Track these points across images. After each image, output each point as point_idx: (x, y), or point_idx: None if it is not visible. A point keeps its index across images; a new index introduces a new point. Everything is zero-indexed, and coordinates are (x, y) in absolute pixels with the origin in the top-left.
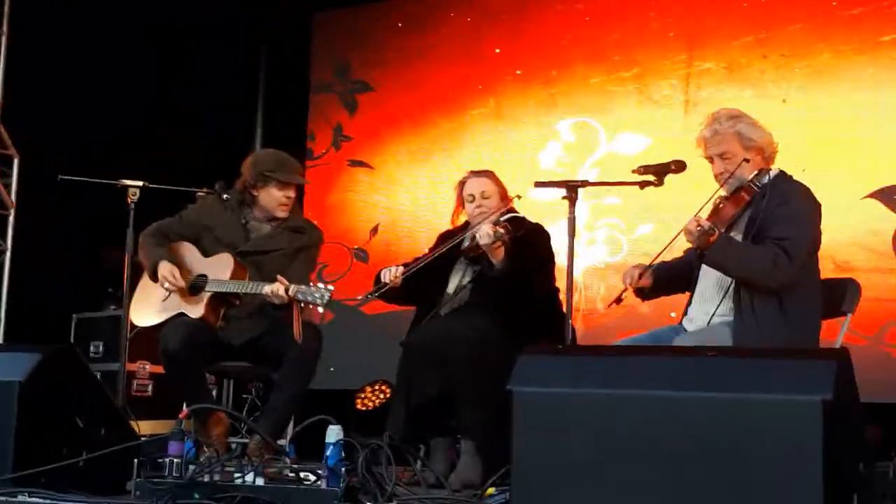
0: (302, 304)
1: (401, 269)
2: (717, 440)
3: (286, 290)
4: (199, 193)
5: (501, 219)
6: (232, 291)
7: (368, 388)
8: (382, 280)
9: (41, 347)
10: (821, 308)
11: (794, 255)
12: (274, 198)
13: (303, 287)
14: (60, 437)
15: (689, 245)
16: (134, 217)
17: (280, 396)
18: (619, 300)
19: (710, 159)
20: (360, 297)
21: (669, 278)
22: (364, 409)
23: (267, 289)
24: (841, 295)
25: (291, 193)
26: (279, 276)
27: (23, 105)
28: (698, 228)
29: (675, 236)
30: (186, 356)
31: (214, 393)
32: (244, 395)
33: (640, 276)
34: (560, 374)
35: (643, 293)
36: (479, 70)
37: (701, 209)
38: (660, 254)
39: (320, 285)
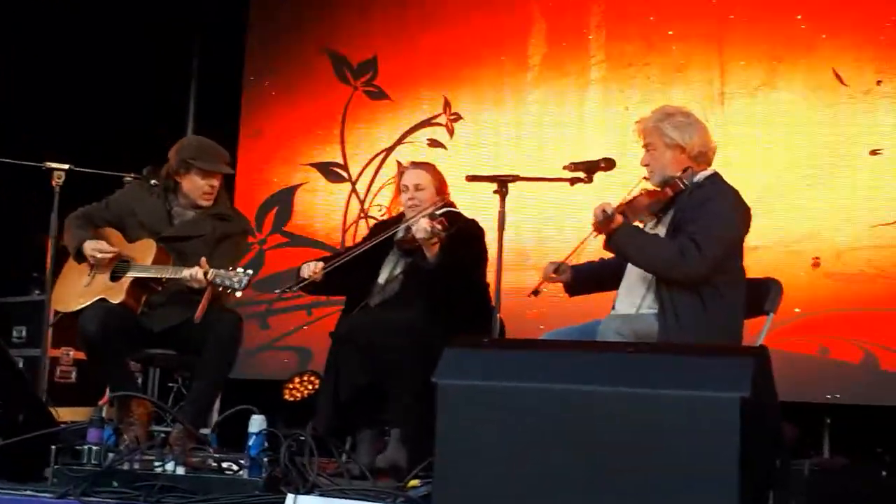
0: (219, 289)
1: (321, 264)
2: (636, 435)
3: (205, 274)
4: (127, 178)
5: (438, 212)
6: (153, 276)
7: (297, 379)
8: (301, 275)
9: None
10: (743, 312)
11: (705, 249)
12: (196, 186)
13: (221, 271)
14: None
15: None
16: (59, 201)
17: (200, 384)
18: (535, 292)
19: (645, 148)
20: (277, 291)
21: (600, 276)
22: (292, 399)
23: (186, 273)
24: (764, 294)
25: (214, 182)
26: (202, 260)
27: None
28: (602, 213)
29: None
30: (104, 340)
31: (140, 381)
32: (170, 384)
33: (555, 271)
34: (484, 367)
35: (569, 287)
36: None
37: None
38: (574, 250)
39: (239, 270)
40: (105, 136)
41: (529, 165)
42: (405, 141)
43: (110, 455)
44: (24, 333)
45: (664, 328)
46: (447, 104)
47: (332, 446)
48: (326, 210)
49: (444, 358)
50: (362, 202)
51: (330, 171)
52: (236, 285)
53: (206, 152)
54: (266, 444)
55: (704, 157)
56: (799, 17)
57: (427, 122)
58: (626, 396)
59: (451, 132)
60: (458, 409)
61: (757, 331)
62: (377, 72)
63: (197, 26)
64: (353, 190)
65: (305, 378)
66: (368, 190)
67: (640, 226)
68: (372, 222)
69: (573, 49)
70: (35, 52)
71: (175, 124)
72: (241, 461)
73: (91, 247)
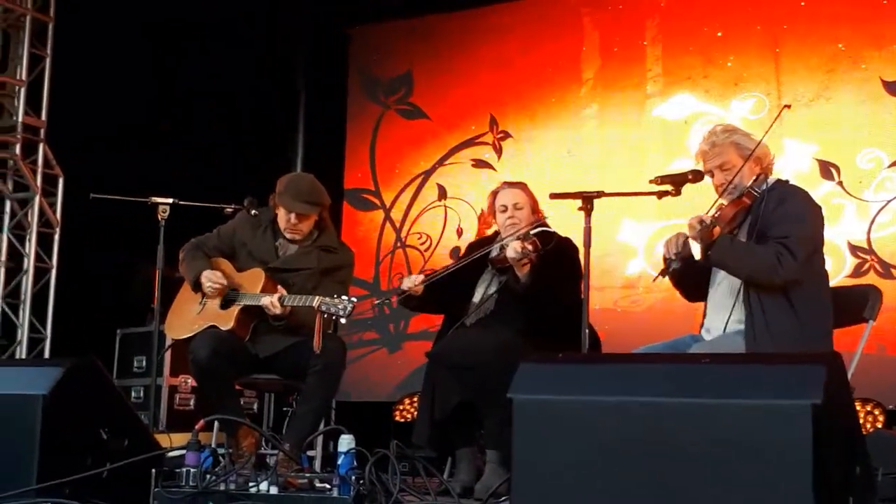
0: (325, 316)
1: (421, 277)
2: (710, 445)
3: (280, 301)
4: (227, 210)
5: (531, 232)
6: (258, 304)
7: (407, 400)
8: (403, 286)
9: (64, 361)
10: (830, 305)
11: (797, 252)
12: (282, 219)
13: (326, 299)
14: (84, 449)
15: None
16: (164, 233)
17: (303, 407)
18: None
19: (711, 172)
20: (376, 301)
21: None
22: (402, 420)
23: (265, 300)
24: (862, 302)
25: (294, 219)
26: (279, 287)
27: (66, 125)
28: (700, 224)
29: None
30: (214, 365)
31: (255, 406)
32: (285, 409)
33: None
34: (558, 381)
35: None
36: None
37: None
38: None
39: (344, 297)
40: (207, 170)
41: (587, 182)
42: (447, 162)
43: (208, 477)
44: (143, 363)
45: (753, 335)
46: (494, 122)
47: (416, 464)
48: (356, 241)
49: (518, 373)
50: (398, 230)
51: (358, 199)
52: (341, 312)
53: (290, 189)
54: (355, 463)
55: (771, 166)
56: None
57: (471, 142)
58: (698, 407)
59: (498, 151)
60: (534, 425)
61: (857, 338)
62: (412, 89)
63: (302, 60)
64: (388, 217)
65: (416, 399)
66: (406, 217)
67: None
68: (411, 252)
69: (629, 63)
70: (138, 90)
71: (279, 157)
72: (332, 479)
73: (206, 276)
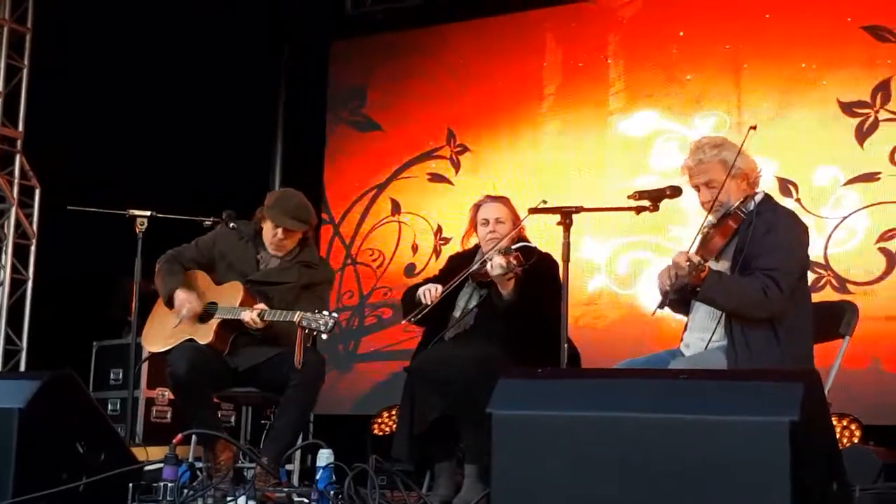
0: (306, 331)
1: (439, 287)
2: (688, 461)
3: (260, 316)
4: (206, 223)
5: (513, 247)
6: (237, 318)
7: (385, 413)
8: (424, 301)
9: (41, 374)
10: (812, 330)
11: (784, 284)
12: (268, 233)
13: (308, 314)
14: (60, 463)
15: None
16: (142, 246)
17: (282, 421)
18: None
19: (697, 188)
20: (406, 320)
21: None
22: (381, 434)
23: (245, 315)
24: (839, 317)
25: (281, 234)
26: (257, 301)
27: (43, 136)
28: (688, 263)
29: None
30: (192, 379)
31: (233, 419)
32: (262, 422)
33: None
34: (536, 396)
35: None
36: None
37: (692, 244)
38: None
39: (325, 313)
40: (186, 183)
41: (551, 196)
42: (401, 177)
43: (185, 491)
44: (120, 376)
45: (734, 360)
46: (452, 135)
47: (396, 479)
48: None
49: (498, 388)
50: (348, 246)
51: None
52: (322, 328)
53: (280, 204)
54: (333, 478)
55: (757, 181)
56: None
57: (428, 156)
58: (676, 423)
59: (456, 166)
60: (513, 440)
61: (833, 354)
62: (365, 101)
63: (283, 71)
64: (337, 234)
65: (395, 412)
66: (356, 232)
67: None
68: (362, 269)
69: (592, 79)
70: (116, 102)
71: (258, 171)
72: (310, 494)
73: (182, 301)
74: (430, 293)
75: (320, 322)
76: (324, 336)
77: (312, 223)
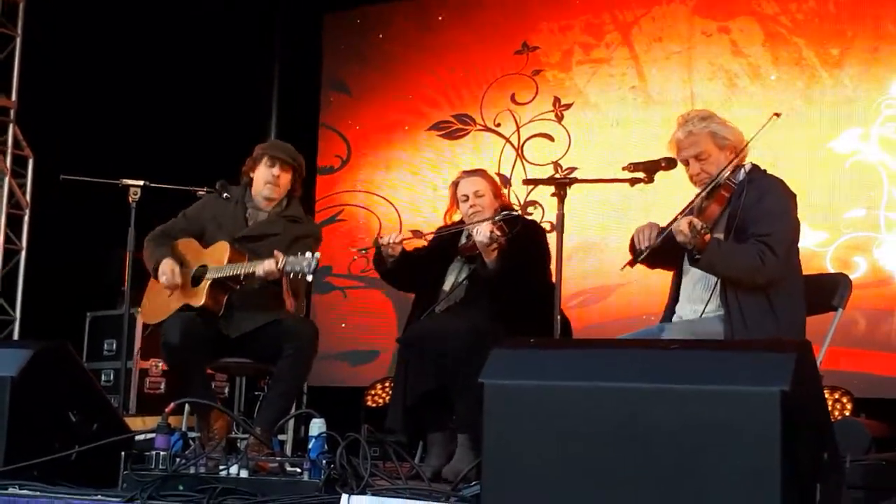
0: (290, 276)
1: (401, 236)
2: (679, 431)
3: (276, 264)
4: (200, 193)
5: (497, 217)
6: (231, 275)
7: (378, 385)
8: (381, 241)
9: (33, 343)
10: (804, 298)
11: (778, 250)
12: (262, 175)
13: (290, 258)
14: (53, 431)
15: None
16: (136, 216)
17: (275, 391)
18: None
19: (686, 161)
20: (354, 250)
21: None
22: (374, 405)
23: (261, 269)
24: (832, 289)
25: (277, 171)
26: (275, 252)
27: (36, 106)
28: (692, 228)
29: (665, 232)
30: (185, 348)
31: (226, 390)
32: (256, 392)
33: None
34: (530, 366)
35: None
36: None
37: (686, 209)
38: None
39: (308, 254)
40: (179, 153)
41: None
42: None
43: (178, 460)
44: (114, 346)
45: (730, 331)
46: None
47: (389, 449)
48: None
49: (490, 358)
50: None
51: None
52: (306, 269)
53: (274, 144)
54: (326, 447)
55: (746, 153)
56: None
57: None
58: (668, 392)
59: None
60: (505, 409)
61: (825, 326)
62: (359, 70)
63: (279, 42)
64: None
65: (388, 384)
66: None
67: None
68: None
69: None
70: (110, 71)
71: (252, 142)
72: (303, 463)
73: (163, 267)
74: (390, 236)
75: (303, 264)
76: (309, 277)
77: (302, 166)
